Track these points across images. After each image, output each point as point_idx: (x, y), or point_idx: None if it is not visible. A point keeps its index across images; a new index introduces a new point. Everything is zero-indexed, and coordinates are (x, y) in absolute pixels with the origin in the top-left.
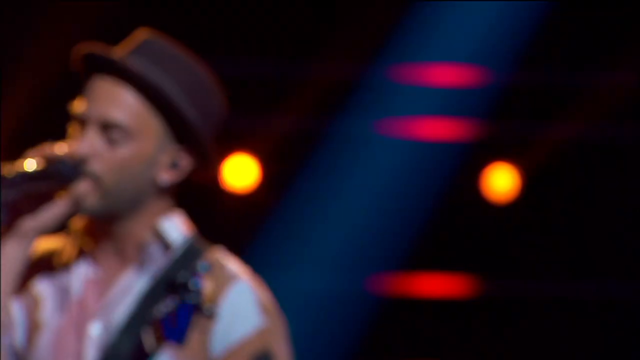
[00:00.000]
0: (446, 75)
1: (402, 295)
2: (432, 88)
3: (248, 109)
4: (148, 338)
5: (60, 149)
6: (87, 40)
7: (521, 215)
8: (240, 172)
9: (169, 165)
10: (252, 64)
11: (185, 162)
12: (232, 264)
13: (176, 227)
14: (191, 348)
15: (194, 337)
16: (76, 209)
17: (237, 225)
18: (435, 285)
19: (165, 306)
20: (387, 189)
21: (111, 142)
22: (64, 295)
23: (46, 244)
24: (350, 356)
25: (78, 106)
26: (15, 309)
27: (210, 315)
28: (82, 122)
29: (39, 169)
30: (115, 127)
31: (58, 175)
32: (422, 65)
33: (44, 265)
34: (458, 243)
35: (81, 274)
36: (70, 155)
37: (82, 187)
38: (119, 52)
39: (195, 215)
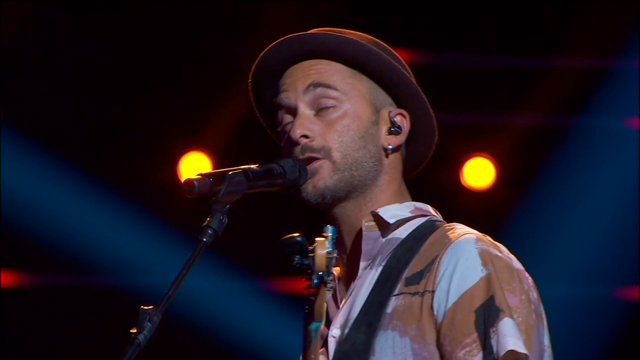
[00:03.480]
0: None
1: None
2: None
3: (486, 106)
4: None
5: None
6: None
7: None
8: (479, 172)
9: (389, 129)
10: (490, 60)
11: (403, 124)
12: (463, 228)
13: (396, 210)
14: (414, 318)
15: (413, 305)
16: (314, 192)
17: (475, 225)
18: None
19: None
20: (637, 189)
21: (323, 111)
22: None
23: None
24: None
25: (278, 100)
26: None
27: (322, 282)
28: (289, 110)
29: (263, 167)
30: (324, 87)
31: (282, 175)
32: None
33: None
34: None
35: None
36: (293, 140)
37: (316, 166)
38: None
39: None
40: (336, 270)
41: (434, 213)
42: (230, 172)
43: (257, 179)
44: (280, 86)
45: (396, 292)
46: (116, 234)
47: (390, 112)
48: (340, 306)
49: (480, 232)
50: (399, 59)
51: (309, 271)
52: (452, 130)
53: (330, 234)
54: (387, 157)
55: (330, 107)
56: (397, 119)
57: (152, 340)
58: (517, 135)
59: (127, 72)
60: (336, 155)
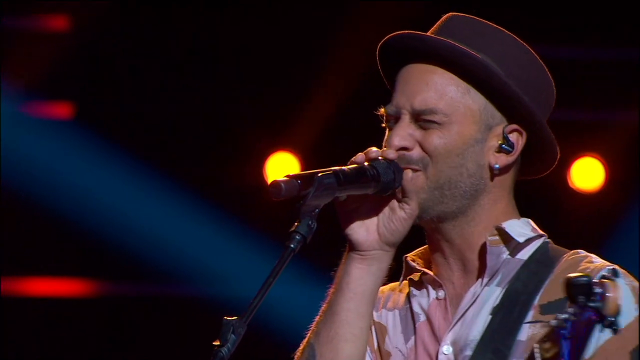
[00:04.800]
0: None
1: None
2: None
3: (595, 103)
4: (541, 350)
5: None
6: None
7: None
8: (587, 173)
9: (499, 147)
10: (600, 54)
11: (517, 142)
12: (598, 258)
13: (520, 228)
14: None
15: None
16: (407, 210)
17: (583, 229)
18: None
19: (561, 315)
20: None
21: (426, 128)
22: (408, 320)
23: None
24: None
25: (387, 109)
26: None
27: (611, 328)
28: (395, 116)
29: (355, 168)
30: (428, 112)
31: (375, 177)
32: None
33: (388, 295)
34: None
35: (425, 296)
36: (385, 151)
37: (407, 181)
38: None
39: (541, 216)
40: (431, 273)
41: (540, 231)
42: (319, 174)
43: (349, 182)
44: (394, 87)
45: (529, 319)
46: (198, 239)
47: (505, 127)
48: (452, 321)
49: (588, 236)
50: (528, 64)
51: (592, 312)
52: (559, 128)
53: (622, 280)
54: (491, 175)
55: (435, 122)
56: (512, 136)
57: (236, 353)
58: (628, 134)
59: (211, 69)
60: (431, 170)
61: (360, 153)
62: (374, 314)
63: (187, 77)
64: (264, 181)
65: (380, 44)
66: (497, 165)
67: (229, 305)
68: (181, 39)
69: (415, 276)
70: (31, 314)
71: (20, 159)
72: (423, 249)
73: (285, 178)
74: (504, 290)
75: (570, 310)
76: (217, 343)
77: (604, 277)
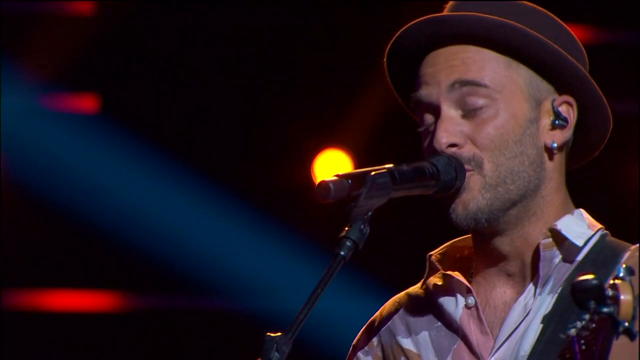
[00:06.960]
0: None
1: None
2: None
3: None
4: None
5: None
6: None
7: None
8: None
9: (551, 124)
10: None
11: (569, 115)
12: None
13: (576, 226)
14: None
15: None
16: (465, 215)
17: None
18: None
19: (573, 324)
20: None
21: (472, 114)
22: (440, 339)
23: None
24: None
25: (417, 96)
26: None
27: (626, 334)
28: (431, 107)
29: (412, 166)
30: (472, 84)
31: (434, 175)
32: None
33: (410, 307)
34: None
35: (452, 303)
36: (437, 152)
37: (468, 184)
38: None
39: (602, 211)
40: (457, 275)
41: (596, 223)
42: (372, 173)
43: (405, 181)
44: (420, 77)
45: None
46: (238, 246)
47: (553, 100)
48: (499, 336)
49: None
50: (558, 29)
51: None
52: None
53: (629, 277)
54: (550, 158)
55: (480, 107)
56: (562, 108)
57: None
58: None
59: (256, 60)
60: (487, 167)
61: None
62: (402, 339)
63: (227, 68)
64: (311, 181)
65: (390, 43)
66: (554, 144)
67: (272, 320)
68: (222, 27)
69: (439, 279)
70: (55, 330)
71: (41, 158)
72: (449, 245)
73: (335, 178)
74: (555, 297)
75: (586, 317)
76: None
77: (616, 277)
